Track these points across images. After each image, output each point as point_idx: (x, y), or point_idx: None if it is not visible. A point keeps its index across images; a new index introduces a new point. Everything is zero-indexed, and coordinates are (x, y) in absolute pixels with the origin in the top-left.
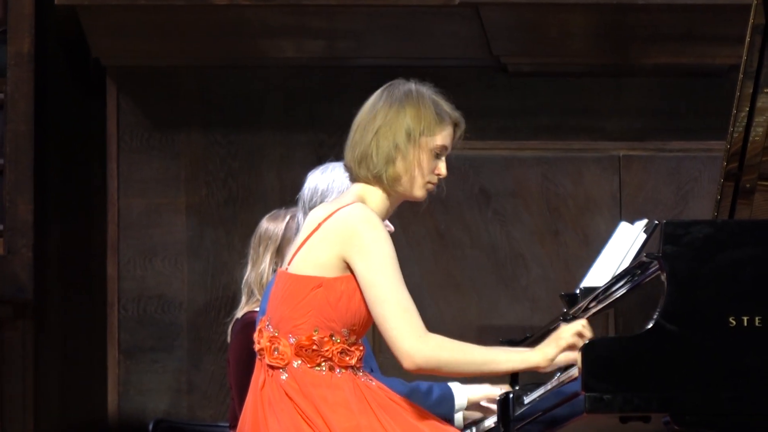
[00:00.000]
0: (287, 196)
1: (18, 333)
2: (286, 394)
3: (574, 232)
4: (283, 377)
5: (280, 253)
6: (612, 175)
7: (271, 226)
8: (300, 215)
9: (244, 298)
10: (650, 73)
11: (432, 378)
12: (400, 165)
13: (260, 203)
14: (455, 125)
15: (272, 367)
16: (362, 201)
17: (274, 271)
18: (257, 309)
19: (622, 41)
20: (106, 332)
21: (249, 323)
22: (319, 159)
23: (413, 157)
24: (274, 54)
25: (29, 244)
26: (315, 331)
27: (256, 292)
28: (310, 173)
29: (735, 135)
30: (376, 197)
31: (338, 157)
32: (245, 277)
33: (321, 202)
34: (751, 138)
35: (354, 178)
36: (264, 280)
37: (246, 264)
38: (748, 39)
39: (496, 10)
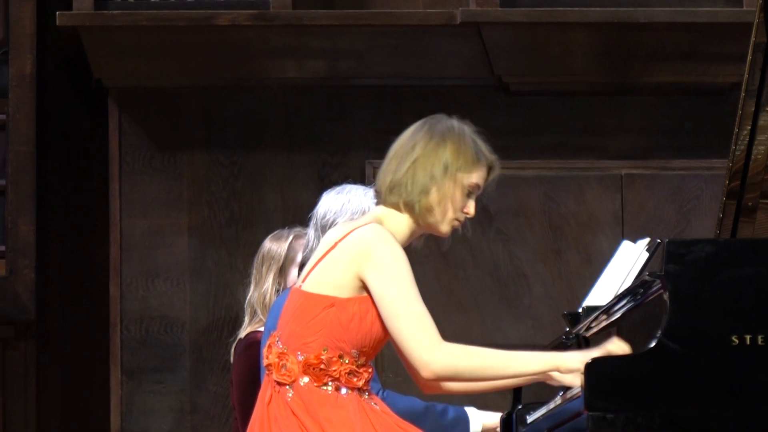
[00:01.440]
0: (290, 216)
1: (20, 353)
2: (292, 412)
3: (577, 251)
4: (289, 395)
5: (282, 272)
6: (614, 194)
7: (274, 246)
8: (311, 233)
9: (247, 318)
10: (652, 92)
11: (448, 401)
12: (434, 196)
13: (263, 223)
14: (490, 167)
15: (279, 384)
16: (379, 222)
17: (277, 291)
18: (260, 329)
19: (624, 60)
20: (109, 353)
21: (252, 343)
22: (322, 179)
23: (447, 190)
24: (277, 74)
25: (31, 265)
26: (324, 350)
27: (259, 312)
28: (325, 193)
29: (737, 153)
30: (397, 221)
31: (340, 176)
32: (248, 297)
33: (333, 221)
34: (753, 156)
35: (381, 203)
36: (267, 300)
37: (249, 284)
38: (749, 57)
39: (497, 29)
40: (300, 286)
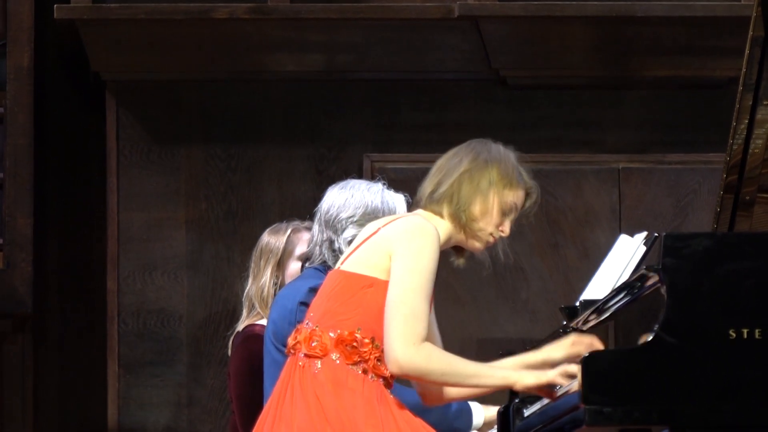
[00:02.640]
0: (287, 209)
1: (17, 347)
2: (317, 386)
3: (574, 245)
4: (317, 367)
5: (280, 266)
6: (611, 188)
7: (272, 239)
8: (315, 228)
9: (245, 312)
10: (650, 86)
11: None
12: (478, 207)
13: (260, 217)
14: (527, 193)
15: (309, 357)
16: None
17: (275, 284)
18: (258, 322)
19: (622, 54)
20: (106, 346)
21: (250, 336)
22: (320, 173)
23: (492, 203)
24: (274, 68)
25: (29, 258)
26: (358, 329)
27: (257, 305)
28: (330, 188)
29: (734, 147)
30: (438, 223)
31: (337, 170)
32: (246, 291)
33: (337, 216)
34: (750, 150)
35: (420, 209)
36: (265, 293)
37: (247, 277)
38: (747, 51)
39: (495, 23)
40: (338, 267)
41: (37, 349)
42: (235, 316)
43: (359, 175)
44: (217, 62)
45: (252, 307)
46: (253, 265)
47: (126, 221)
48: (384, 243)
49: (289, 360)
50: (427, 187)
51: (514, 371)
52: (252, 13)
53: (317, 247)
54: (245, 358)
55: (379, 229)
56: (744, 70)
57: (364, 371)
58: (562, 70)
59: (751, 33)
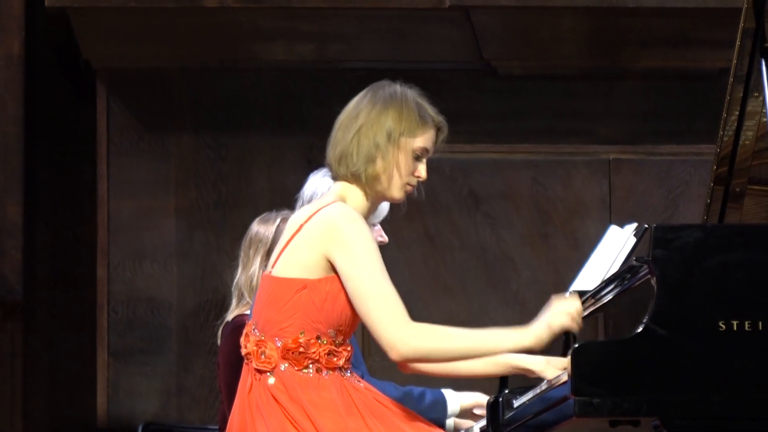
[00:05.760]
0: (277, 198)
1: (7, 334)
2: (274, 398)
3: (564, 236)
4: (271, 381)
5: (270, 255)
6: (602, 179)
7: (261, 228)
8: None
9: (234, 301)
10: (640, 77)
11: (425, 384)
12: (379, 164)
13: (250, 206)
14: (438, 129)
15: (259, 371)
16: (343, 200)
17: None
18: (248, 312)
19: (613, 45)
20: (96, 334)
21: (239, 326)
22: (310, 162)
23: (392, 158)
24: (265, 57)
25: (18, 246)
26: (301, 333)
27: (246, 295)
28: (311, 174)
29: (725, 139)
30: (355, 196)
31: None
32: (235, 280)
33: None
34: (741, 142)
35: (334, 177)
36: (254, 282)
37: (236, 267)
38: (738, 43)
39: (486, 13)
40: (270, 272)
41: (27, 337)
42: (225, 305)
43: None
44: (207, 51)
45: (241, 297)
46: (242, 254)
47: (116, 209)
48: (311, 241)
49: (245, 366)
50: (331, 149)
51: (524, 332)
52: (243, 2)
53: None
54: (234, 348)
55: (302, 225)
56: (735, 61)
57: (318, 370)
58: (553, 60)
59: (742, 24)
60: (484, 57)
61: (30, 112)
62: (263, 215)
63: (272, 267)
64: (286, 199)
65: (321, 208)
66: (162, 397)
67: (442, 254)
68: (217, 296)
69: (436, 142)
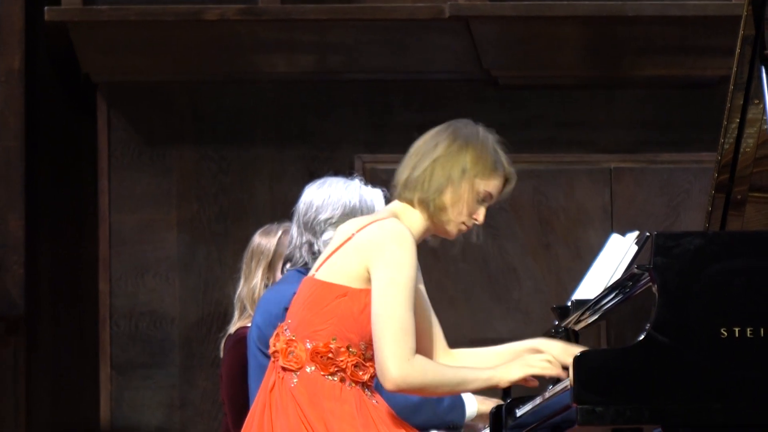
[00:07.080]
0: (279, 211)
1: (9, 349)
2: (294, 399)
3: (566, 245)
4: (293, 382)
5: (272, 268)
6: (603, 188)
7: (263, 241)
8: (294, 230)
9: (236, 314)
10: (641, 86)
11: None
12: (448, 197)
13: (252, 218)
14: (506, 180)
15: (285, 370)
16: (396, 217)
17: (266, 286)
18: (249, 324)
19: (613, 54)
20: (98, 348)
21: (242, 338)
22: (311, 174)
23: (462, 193)
24: (266, 69)
25: (20, 261)
26: (333, 339)
27: (248, 307)
28: (307, 187)
29: (726, 146)
30: (413, 218)
31: (331, 171)
32: (237, 292)
33: (315, 218)
34: (741, 149)
35: (396, 197)
36: (256, 295)
37: (238, 279)
38: (738, 50)
39: (486, 23)
40: (313, 275)
41: (29, 351)
42: (227, 318)
43: (351, 176)
44: (208, 64)
45: (243, 309)
46: (244, 266)
47: (117, 223)
48: (359, 251)
49: (270, 364)
50: (402, 172)
51: (498, 369)
52: (243, 14)
53: (297, 250)
54: (237, 360)
55: (353, 234)
56: (735, 69)
57: (342, 380)
58: (554, 69)
59: (741, 32)
60: (485, 67)
61: (31, 126)
62: (265, 227)
63: (316, 270)
64: (288, 211)
65: (375, 221)
66: (165, 410)
67: (445, 265)
68: (220, 309)
69: (501, 191)
